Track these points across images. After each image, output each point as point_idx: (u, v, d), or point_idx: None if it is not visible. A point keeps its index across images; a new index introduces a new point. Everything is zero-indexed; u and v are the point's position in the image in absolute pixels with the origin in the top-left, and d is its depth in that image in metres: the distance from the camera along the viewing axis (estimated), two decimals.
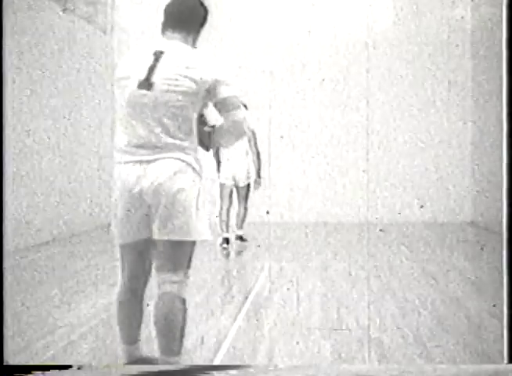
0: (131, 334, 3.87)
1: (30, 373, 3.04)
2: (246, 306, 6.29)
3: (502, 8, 3.87)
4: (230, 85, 3.74)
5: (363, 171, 13.67)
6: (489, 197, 11.93)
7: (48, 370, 2.82)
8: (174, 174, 3.66)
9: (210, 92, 3.72)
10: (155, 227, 3.68)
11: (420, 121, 13.82)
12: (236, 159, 9.56)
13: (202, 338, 5.15)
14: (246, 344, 5.03)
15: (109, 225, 3.88)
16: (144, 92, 3.68)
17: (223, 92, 3.71)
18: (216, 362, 4.57)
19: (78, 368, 3.04)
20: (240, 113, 3.71)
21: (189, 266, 3.77)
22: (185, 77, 3.68)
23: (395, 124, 13.80)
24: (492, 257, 8.92)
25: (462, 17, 13.80)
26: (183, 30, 3.87)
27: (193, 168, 3.72)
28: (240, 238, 9.98)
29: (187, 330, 3.77)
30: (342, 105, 13.89)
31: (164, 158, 3.67)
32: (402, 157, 13.82)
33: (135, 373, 3.20)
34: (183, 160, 3.69)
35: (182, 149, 3.70)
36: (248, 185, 9.73)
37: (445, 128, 13.74)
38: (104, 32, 13.60)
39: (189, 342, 4.90)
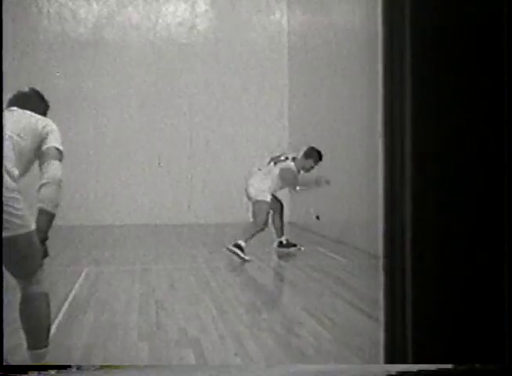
0: None
1: (29, 372, 2.89)
2: (64, 308, 6.17)
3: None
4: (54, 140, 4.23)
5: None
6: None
7: (46, 370, 2.67)
8: None
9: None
10: None
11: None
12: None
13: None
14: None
15: None
16: None
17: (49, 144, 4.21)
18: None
19: (77, 368, 2.89)
20: None
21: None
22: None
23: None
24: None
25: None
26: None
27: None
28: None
29: None
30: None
31: None
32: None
33: (134, 373, 3.08)
34: None
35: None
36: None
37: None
38: None
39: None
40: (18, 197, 3.89)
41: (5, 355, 3.40)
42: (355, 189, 9.83)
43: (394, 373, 1.95)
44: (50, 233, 4.09)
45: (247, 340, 5.17)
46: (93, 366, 3.41)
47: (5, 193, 3.79)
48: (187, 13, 14.09)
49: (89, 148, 13.55)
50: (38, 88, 4.82)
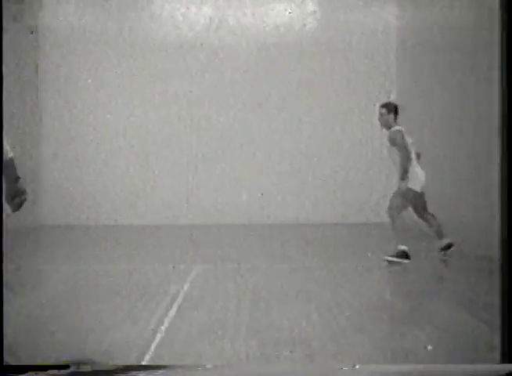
0: None
1: (28, 372, 2.99)
2: (174, 308, 6.26)
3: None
4: None
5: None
6: None
7: (46, 370, 2.77)
8: None
9: None
10: None
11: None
12: None
13: (130, 339, 5.12)
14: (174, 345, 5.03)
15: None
16: None
17: None
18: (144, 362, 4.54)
19: (77, 368, 2.99)
20: None
21: None
22: None
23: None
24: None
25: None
26: None
27: None
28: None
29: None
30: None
31: None
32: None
33: (133, 372, 3.17)
34: None
35: None
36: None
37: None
38: (31, 31, 13.38)
39: (116, 343, 4.88)
40: None
41: (5, 355, 3.48)
42: (470, 192, 9.56)
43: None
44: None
45: (355, 341, 5.13)
46: (93, 366, 3.44)
47: None
48: (295, 14, 14.08)
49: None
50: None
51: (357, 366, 3.89)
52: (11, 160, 4.39)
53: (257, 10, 13.99)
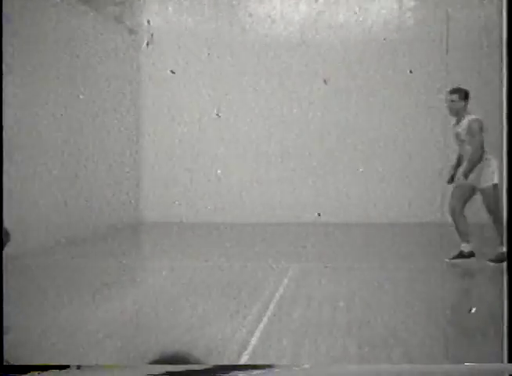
0: None
1: (29, 372, 3.02)
2: (272, 307, 6.28)
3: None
4: None
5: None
6: None
7: (47, 370, 2.80)
8: None
9: None
10: None
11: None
12: None
13: (226, 338, 5.15)
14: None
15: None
16: None
17: None
18: (241, 362, 4.57)
19: (77, 368, 3.02)
20: None
21: None
22: None
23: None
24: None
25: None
26: None
27: None
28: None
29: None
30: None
31: None
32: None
33: (138, 374, 3.20)
34: None
35: None
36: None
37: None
38: (132, 32, 13.67)
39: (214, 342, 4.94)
40: None
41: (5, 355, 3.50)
42: None
43: None
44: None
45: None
46: (93, 366, 3.42)
47: None
48: (394, 9, 13.90)
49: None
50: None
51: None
52: None
53: (355, 6, 13.86)
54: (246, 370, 3.72)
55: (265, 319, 5.76)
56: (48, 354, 4.81)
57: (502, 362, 3.70)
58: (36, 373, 2.96)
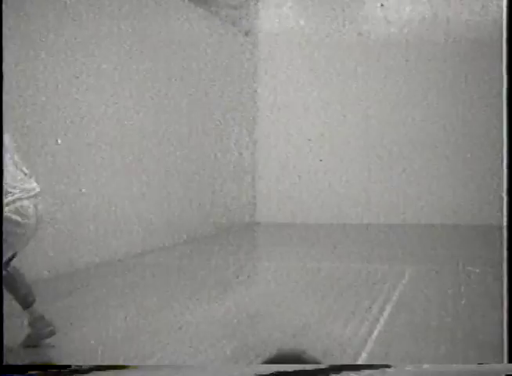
0: None
1: (29, 372, 3.04)
2: (388, 308, 6.21)
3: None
4: None
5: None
6: None
7: (46, 370, 2.81)
8: None
9: None
10: None
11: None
12: None
13: (344, 338, 5.12)
14: None
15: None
16: None
17: None
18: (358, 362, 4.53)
19: (78, 368, 3.02)
20: None
21: None
22: None
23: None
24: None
25: None
26: None
27: None
28: None
29: None
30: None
31: None
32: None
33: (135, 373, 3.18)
34: None
35: None
36: None
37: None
38: (247, 35, 13.81)
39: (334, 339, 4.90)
40: None
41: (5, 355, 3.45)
42: None
43: None
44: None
45: None
46: (94, 366, 3.33)
47: None
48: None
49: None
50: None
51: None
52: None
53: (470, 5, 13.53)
54: (363, 371, 3.67)
55: (382, 321, 5.70)
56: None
57: (502, 362, 3.64)
58: (36, 373, 2.97)
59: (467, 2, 13.49)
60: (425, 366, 3.50)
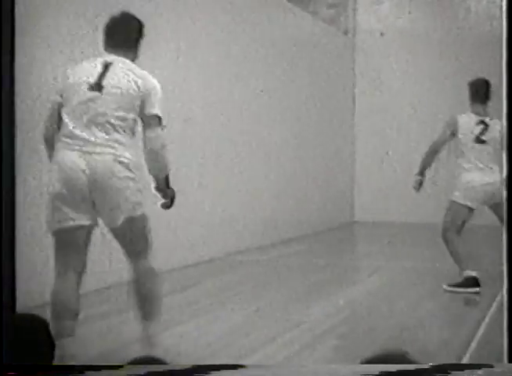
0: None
1: (34, 373, 3.05)
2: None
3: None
4: (155, 105, 4.26)
5: None
6: None
7: (51, 371, 2.82)
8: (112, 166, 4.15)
9: (141, 104, 4.25)
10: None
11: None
12: None
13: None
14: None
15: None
16: (94, 93, 4.19)
17: (149, 110, 4.25)
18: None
19: (82, 368, 3.03)
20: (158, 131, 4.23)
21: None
22: (131, 83, 4.23)
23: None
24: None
25: None
26: (123, 46, 4.36)
27: (125, 162, 4.17)
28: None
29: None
30: None
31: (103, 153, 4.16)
32: None
33: (141, 373, 3.19)
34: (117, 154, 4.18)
35: (121, 144, 4.20)
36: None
37: None
38: (346, 33, 13.80)
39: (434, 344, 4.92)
40: (135, 178, 4.21)
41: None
42: None
43: None
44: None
45: None
46: (96, 366, 3.29)
47: (124, 174, 4.16)
48: None
49: None
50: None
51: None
52: None
53: None
54: (465, 370, 3.67)
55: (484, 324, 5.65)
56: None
57: (502, 362, 3.58)
58: (36, 373, 2.99)
59: None
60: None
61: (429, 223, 12.81)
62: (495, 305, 6.30)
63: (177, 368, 3.33)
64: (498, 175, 6.45)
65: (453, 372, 3.74)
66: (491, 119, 6.85)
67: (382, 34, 13.54)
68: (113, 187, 4.15)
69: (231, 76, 9.35)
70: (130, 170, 4.20)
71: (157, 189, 4.35)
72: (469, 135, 6.87)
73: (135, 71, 4.31)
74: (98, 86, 4.20)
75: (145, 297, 4.36)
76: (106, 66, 4.26)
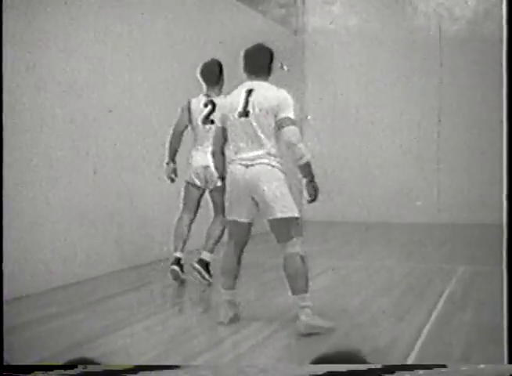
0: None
1: (33, 373, 3.03)
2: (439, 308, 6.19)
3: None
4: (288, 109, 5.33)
5: None
6: None
7: (52, 370, 2.82)
8: (266, 172, 5.22)
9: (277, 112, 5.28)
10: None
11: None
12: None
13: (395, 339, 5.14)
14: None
15: None
16: (242, 119, 5.27)
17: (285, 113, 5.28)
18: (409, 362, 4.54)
19: (83, 368, 3.02)
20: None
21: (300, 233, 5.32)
22: (268, 102, 5.28)
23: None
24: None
25: None
26: (262, 72, 5.59)
27: (279, 168, 5.27)
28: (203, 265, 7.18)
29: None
30: None
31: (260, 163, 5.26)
32: None
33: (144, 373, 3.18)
34: (270, 164, 5.26)
35: (270, 155, 5.26)
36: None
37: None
38: (295, 33, 13.83)
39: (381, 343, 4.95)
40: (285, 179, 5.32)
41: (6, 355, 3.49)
42: None
43: None
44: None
45: None
46: (94, 366, 3.31)
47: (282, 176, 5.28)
48: None
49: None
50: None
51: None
52: None
53: None
54: (415, 371, 3.69)
55: (432, 320, 5.69)
56: None
57: (502, 362, 3.63)
58: (40, 373, 2.98)
59: None
60: (481, 366, 3.51)
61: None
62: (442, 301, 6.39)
63: (117, 369, 3.28)
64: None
65: (403, 372, 3.78)
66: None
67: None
68: None
69: (180, 76, 9.29)
70: None
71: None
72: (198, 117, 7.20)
73: (272, 94, 5.48)
74: (244, 112, 5.41)
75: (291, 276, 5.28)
76: (249, 94, 5.42)
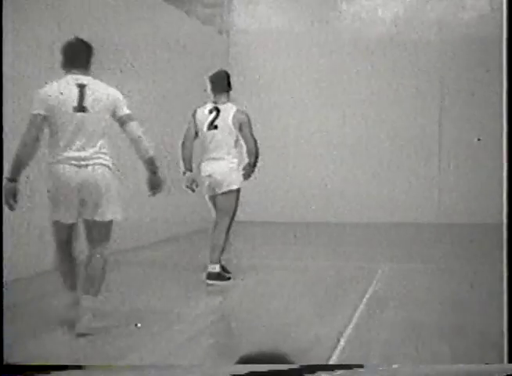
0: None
1: (29, 372, 3.00)
2: (361, 307, 6.26)
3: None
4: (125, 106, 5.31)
5: None
6: None
7: (47, 370, 2.80)
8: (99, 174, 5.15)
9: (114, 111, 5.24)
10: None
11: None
12: None
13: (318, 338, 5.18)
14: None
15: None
16: (80, 114, 5.11)
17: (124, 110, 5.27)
18: (331, 362, 4.57)
19: (77, 368, 3.01)
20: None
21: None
22: (104, 99, 5.20)
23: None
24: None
25: None
26: (82, 67, 5.29)
27: (109, 168, 5.21)
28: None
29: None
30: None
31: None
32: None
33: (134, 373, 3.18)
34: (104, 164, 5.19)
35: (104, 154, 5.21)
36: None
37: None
38: (221, 33, 13.83)
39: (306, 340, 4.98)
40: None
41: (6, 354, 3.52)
42: None
43: None
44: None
45: None
46: (94, 366, 3.36)
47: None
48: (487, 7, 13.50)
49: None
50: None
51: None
52: None
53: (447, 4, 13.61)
54: (335, 371, 3.72)
55: (355, 320, 5.76)
56: None
57: (502, 362, 3.70)
58: (36, 373, 2.94)
59: None
60: (395, 366, 3.54)
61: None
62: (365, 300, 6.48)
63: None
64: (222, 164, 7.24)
65: (322, 372, 3.80)
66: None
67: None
68: None
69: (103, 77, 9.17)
70: None
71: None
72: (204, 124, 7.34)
73: (103, 88, 5.34)
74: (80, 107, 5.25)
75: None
76: (81, 89, 5.21)
